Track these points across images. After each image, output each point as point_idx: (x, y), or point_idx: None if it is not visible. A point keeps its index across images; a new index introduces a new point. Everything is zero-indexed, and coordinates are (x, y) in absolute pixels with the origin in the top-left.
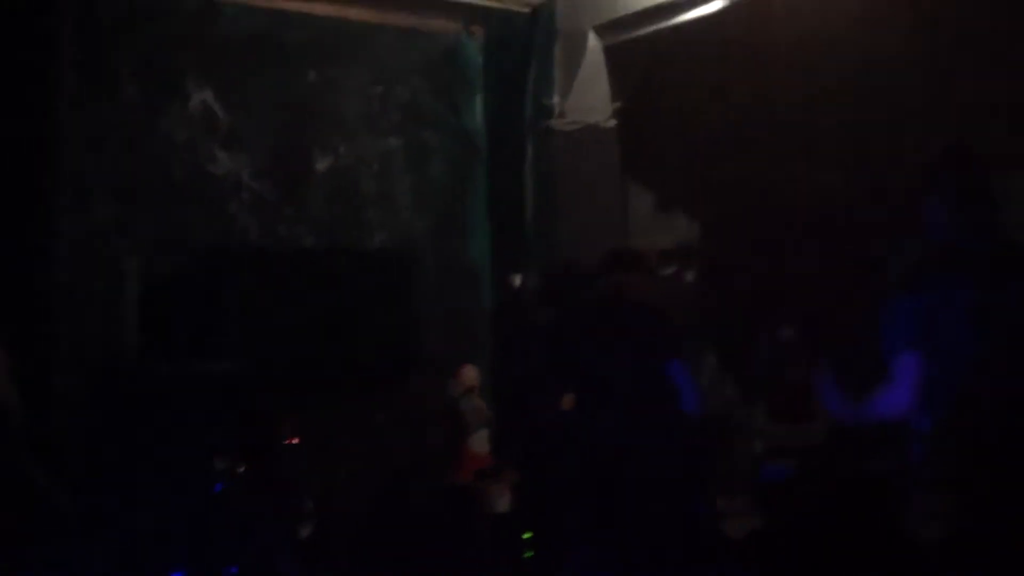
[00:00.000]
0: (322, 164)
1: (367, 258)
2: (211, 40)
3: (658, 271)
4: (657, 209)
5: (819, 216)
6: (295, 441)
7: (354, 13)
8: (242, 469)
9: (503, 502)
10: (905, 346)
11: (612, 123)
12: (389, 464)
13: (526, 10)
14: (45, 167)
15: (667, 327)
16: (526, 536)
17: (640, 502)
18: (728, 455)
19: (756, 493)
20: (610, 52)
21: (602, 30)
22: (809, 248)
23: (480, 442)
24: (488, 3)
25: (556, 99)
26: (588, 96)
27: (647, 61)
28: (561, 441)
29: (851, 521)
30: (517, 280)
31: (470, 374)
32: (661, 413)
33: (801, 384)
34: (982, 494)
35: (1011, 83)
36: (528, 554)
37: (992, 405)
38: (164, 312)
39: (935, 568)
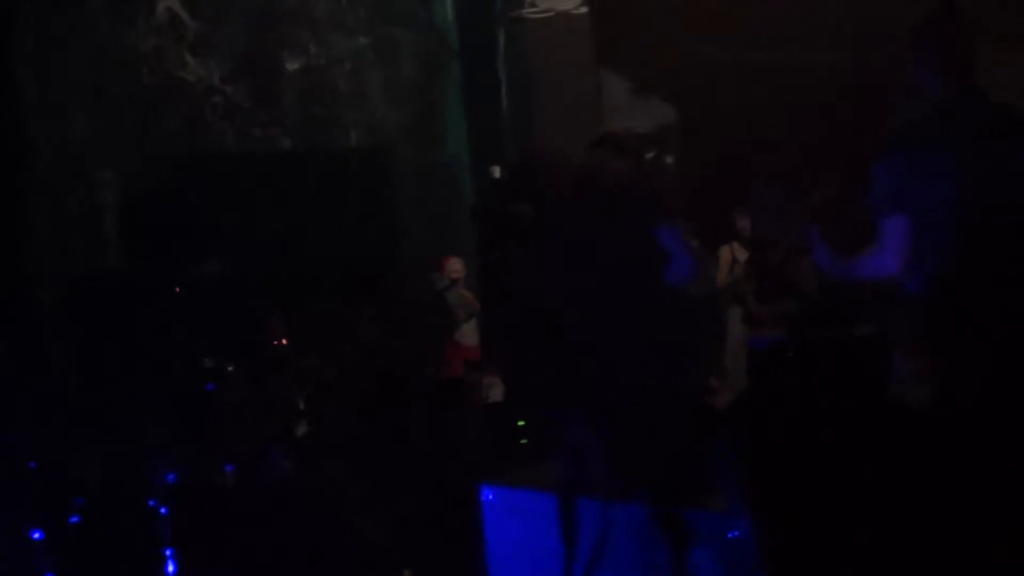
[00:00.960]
0: (293, 65)
1: (344, 157)
2: None
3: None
4: (632, 95)
5: (807, 92)
6: (283, 342)
7: None
8: (230, 368)
9: (495, 392)
10: (893, 208)
11: (583, 9)
12: (379, 360)
13: None
14: (11, 82)
15: (659, 198)
16: (520, 424)
17: (629, 378)
18: (717, 335)
19: (743, 365)
20: None
21: None
22: (797, 122)
23: (469, 333)
24: None
25: None
26: None
27: None
28: (547, 325)
29: (838, 384)
30: (496, 172)
31: (455, 266)
32: (649, 287)
33: (783, 262)
34: (968, 358)
35: None
36: (524, 441)
37: (981, 268)
38: (144, 220)
39: (919, 431)
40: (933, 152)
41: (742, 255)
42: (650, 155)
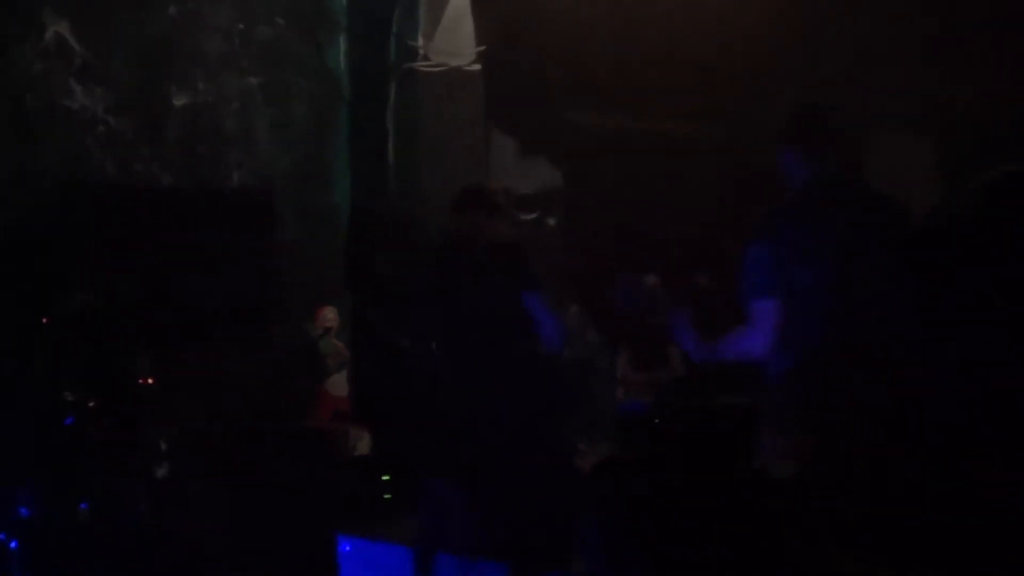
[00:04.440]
0: (180, 101)
1: (226, 197)
2: None
3: (519, 216)
4: (519, 155)
5: (681, 165)
6: (150, 381)
7: None
8: (92, 404)
9: (362, 444)
10: (762, 291)
11: (476, 67)
12: (247, 405)
13: None
14: None
15: (526, 264)
16: (385, 478)
17: (496, 441)
18: (588, 399)
19: (613, 428)
20: None
21: None
22: (672, 197)
23: (339, 384)
24: None
25: (420, 41)
26: (452, 39)
27: (511, 5)
28: (417, 382)
29: (704, 453)
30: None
31: (329, 315)
32: (519, 350)
33: (659, 332)
34: (832, 437)
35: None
36: (387, 496)
37: (845, 347)
38: (15, 247)
39: (783, 504)
40: (798, 234)
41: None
42: (531, 216)
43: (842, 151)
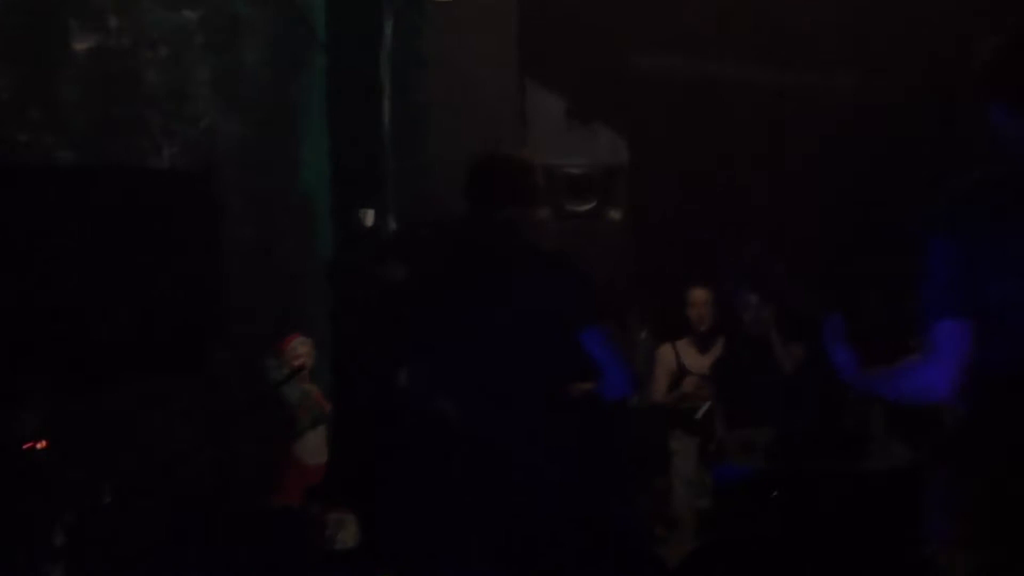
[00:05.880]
0: (82, 44)
1: (149, 181)
2: None
3: (566, 206)
4: (569, 118)
5: (801, 130)
6: (41, 446)
7: None
8: None
9: (346, 533)
10: (947, 308)
11: None
12: (180, 478)
13: None
14: None
15: (580, 283)
16: None
17: (536, 528)
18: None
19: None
20: None
21: None
22: (788, 176)
23: (313, 446)
24: None
25: None
26: None
27: None
28: (426, 443)
29: (847, 536)
30: (368, 217)
31: (300, 349)
32: (568, 402)
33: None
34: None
35: None
36: None
37: None
38: None
39: None
40: (1004, 227)
41: (693, 359)
42: (586, 207)
43: None
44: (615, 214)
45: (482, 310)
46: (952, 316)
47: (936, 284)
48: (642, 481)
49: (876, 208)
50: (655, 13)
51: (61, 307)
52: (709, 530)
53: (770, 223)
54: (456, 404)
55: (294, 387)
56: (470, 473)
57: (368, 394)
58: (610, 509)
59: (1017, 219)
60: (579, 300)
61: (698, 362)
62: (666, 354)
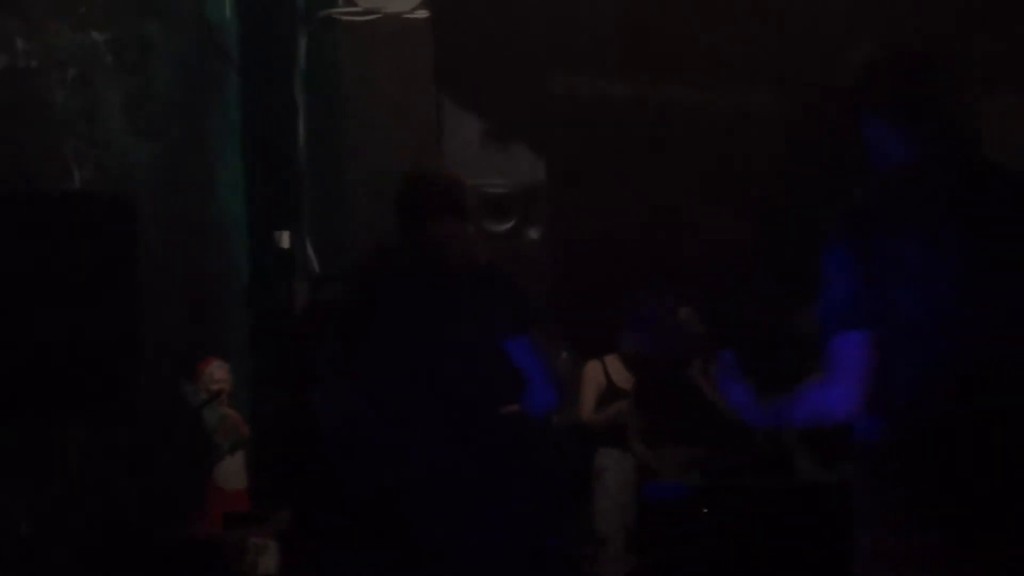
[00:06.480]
0: None
1: (62, 206)
2: None
3: (487, 226)
4: (485, 139)
5: (709, 149)
6: None
7: None
8: None
9: (267, 558)
10: (846, 321)
11: (423, 13)
12: (96, 507)
13: None
14: None
15: (512, 294)
16: None
17: (467, 546)
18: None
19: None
20: None
21: None
22: (704, 194)
23: (233, 472)
24: None
25: None
26: None
27: None
28: (351, 464)
29: (772, 554)
30: (285, 239)
31: (217, 373)
32: (498, 417)
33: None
34: (961, 531)
35: None
36: None
37: (979, 402)
38: None
39: None
40: (898, 237)
41: (622, 376)
42: (505, 225)
43: (953, 119)
44: (534, 233)
45: (415, 325)
46: (851, 328)
47: (834, 296)
48: (569, 500)
49: (794, 222)
50: (572, 33)
51: None
52: (638, 548)
53: (691, 239)
54: (382, 425)
55: (213, 411)
56: (393, 497)
57: (287, 418)
58: (539, 529)
59: (912, 225)
60: (512, 310)
61: (628, 379)
62: (594, 370)
